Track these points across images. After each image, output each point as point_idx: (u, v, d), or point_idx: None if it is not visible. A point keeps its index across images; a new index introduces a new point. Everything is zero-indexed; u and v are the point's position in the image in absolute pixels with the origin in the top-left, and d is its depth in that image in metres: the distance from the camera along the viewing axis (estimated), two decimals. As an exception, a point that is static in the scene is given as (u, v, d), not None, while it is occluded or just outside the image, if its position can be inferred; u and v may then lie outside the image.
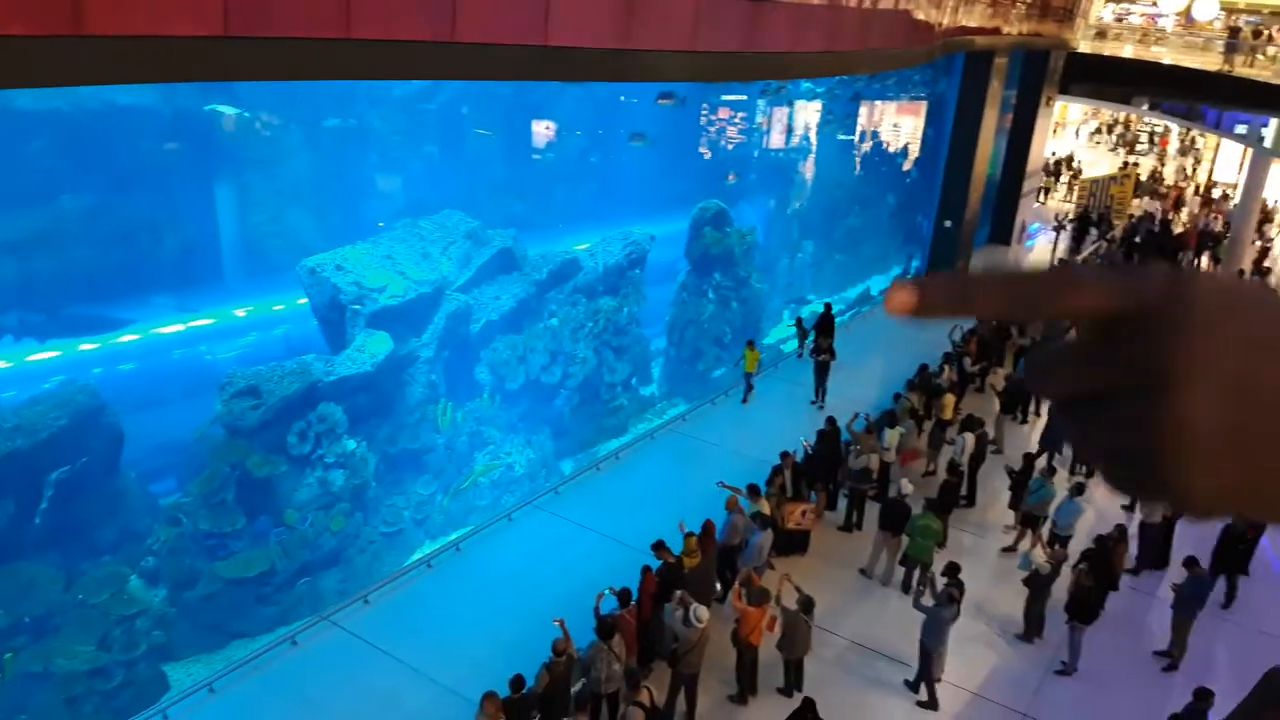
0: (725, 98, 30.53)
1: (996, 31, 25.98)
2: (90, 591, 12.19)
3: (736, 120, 31.42)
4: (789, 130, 31.61)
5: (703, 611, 10.50)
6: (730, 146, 31.45)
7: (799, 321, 21.45)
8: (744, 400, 19.21)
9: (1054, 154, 42.67)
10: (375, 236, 18.05)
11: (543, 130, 26.60)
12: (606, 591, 10.78)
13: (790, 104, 30.75)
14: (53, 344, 17.01)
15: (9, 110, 16.56)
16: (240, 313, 19.09)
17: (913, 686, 11.22)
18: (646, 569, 11.38)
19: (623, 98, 26.07)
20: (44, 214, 17.31)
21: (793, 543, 13.38)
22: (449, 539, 14.81)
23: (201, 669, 12.12)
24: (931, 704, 11.06)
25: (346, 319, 16.04)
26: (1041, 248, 33.20)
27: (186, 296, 18.43)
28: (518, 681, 9.33)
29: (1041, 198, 38.91)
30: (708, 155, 30.86)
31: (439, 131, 23.41)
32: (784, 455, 14.26)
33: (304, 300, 17.28)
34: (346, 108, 21.65)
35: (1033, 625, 12.27)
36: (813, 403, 18.72)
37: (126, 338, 17.37)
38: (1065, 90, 33.06)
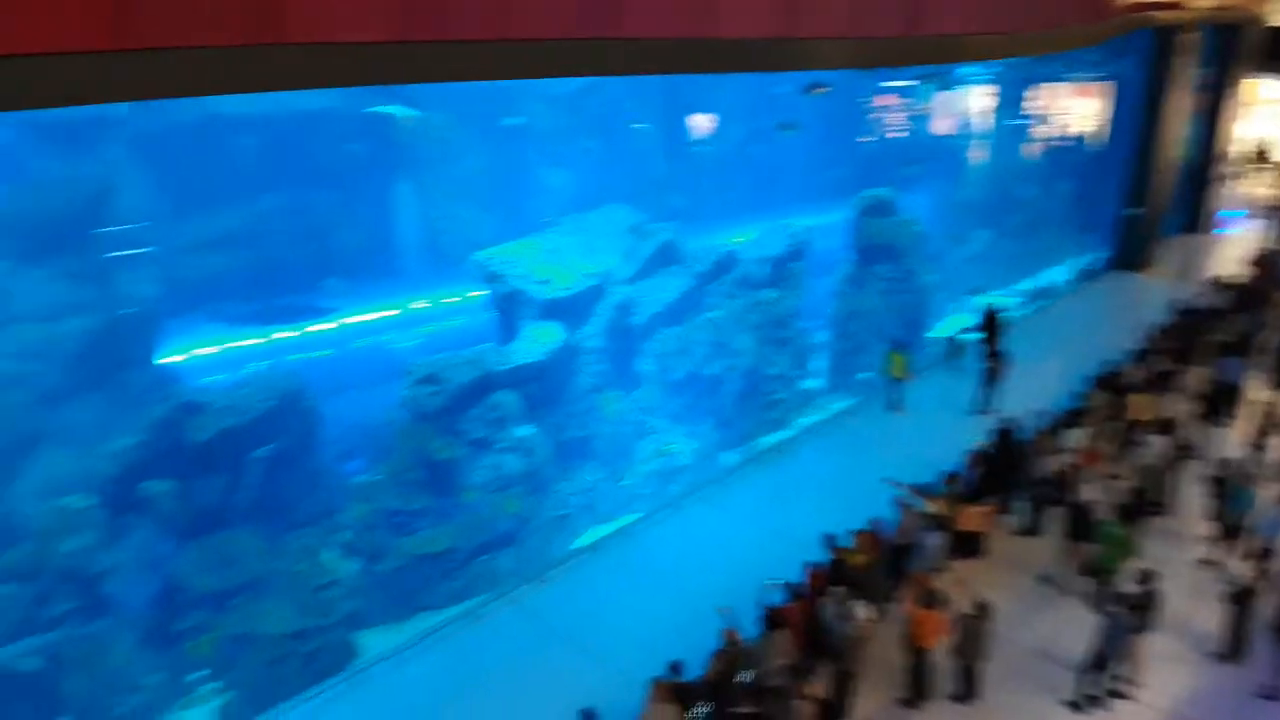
0: (888, 84, 29.74)
1: (1177, 6, 24.14)
2: (290, 561, 13.20)
3: (900, 107, 30.58)
4: (956, 116, 30.48)
5: (862, 610, 10.33)
6: (894, 134, 30.62)
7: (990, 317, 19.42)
8: (892, 408, 18.05)
9: (1261, 138, 39.24)
10: (543, 231, 18.61)
11: (701, 123, 26.69)
12: (774, 583, 10.77)
13: (957, 88, 29.64)
14: (255, 331, 18.47)
15: (217, 115, 18.02)
16: (420, 304, 20.17)
17: (1085, 701, 10.68)
18: (812, 564, 11.30)
19: (779, 88, 25.85)
20: (247, 211, 18.80)
21: (967, 545, 12.96)
22: (615, 525, 15.18)
23: (390, 638, 12.92)
24: (1083, 705, 10.55)
25: (517, 311, 16.65)
26: (1242, 236, 30.65)
27: (372, 289, 19.62)
28: (676, 666, 9.45)
29: (1243, 182, 35.93)
30: (870, 143, 30.17)
31: (601, 128, 23.89)
32: (972, 454, 13.84)
33: (478, 293, 18.04)
34: (514, 107, 22.42)
35: (1234, 644, 11.43)
36: (980, 412, 17.42)
37: (320, 327, 18.67)
38: (1265, 68, 30.39)
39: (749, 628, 10.34)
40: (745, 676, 10.27)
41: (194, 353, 17.11)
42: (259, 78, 7.75)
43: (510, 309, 16.86)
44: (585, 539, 15.11)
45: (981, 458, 13.97)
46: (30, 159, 15.59)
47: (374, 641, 13.04)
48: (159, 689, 11.99)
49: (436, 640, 11.69)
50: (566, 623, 12.00)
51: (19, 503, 12.90)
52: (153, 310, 15.52)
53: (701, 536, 14.18)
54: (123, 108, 16.45)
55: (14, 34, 6.06)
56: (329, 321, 18.92)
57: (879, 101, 29.82)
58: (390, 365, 16.75)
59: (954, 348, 19.91)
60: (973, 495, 13.35)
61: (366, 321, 19.57)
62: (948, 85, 28.47)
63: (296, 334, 18.78)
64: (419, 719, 10.23)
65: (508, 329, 16.81)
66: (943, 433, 16.41)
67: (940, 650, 10.65)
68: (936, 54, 16.63)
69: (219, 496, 13.57)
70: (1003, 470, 14.08)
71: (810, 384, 20.42)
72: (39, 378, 13.76)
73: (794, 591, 10.86)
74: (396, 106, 20.63)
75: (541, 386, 15.69)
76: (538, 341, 15.83)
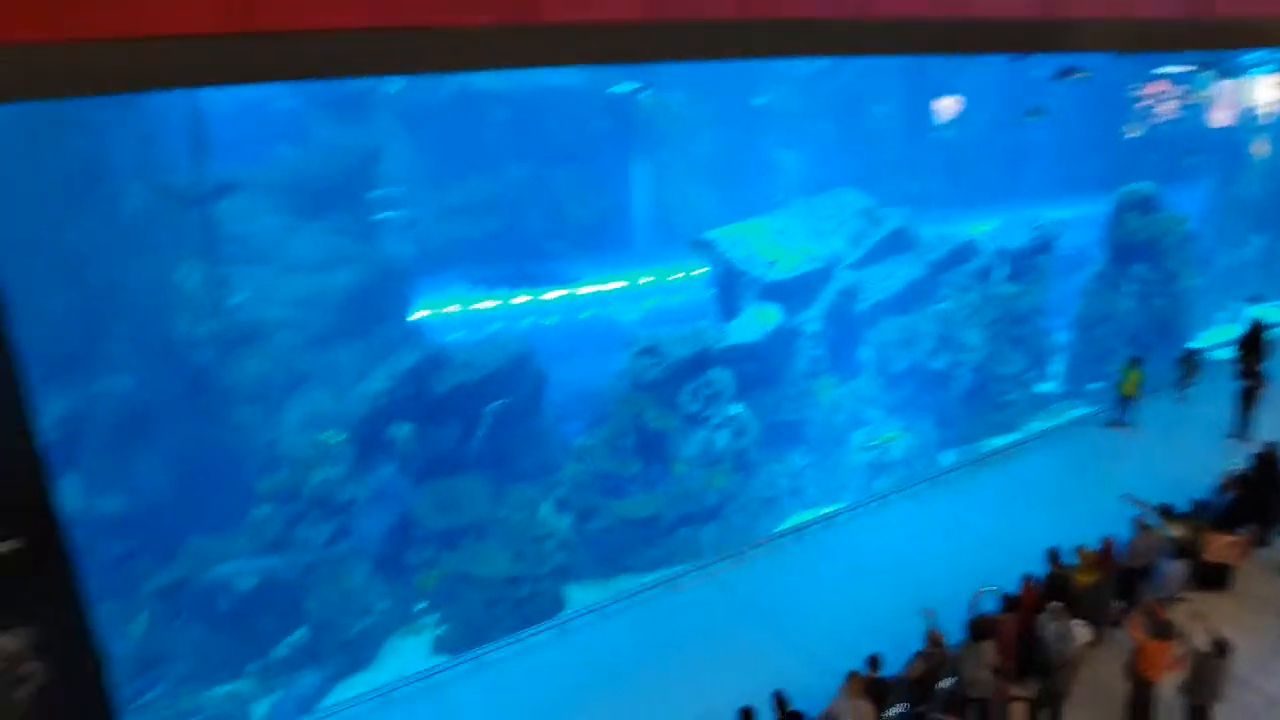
0: (1158, 70, 27.10)
1: None
2: (510, 511, 14.05)
3: (1170, 95, 27.80)
4: (1236, 106, 27.29)
5: (1081, 631, 9.63)
6: (1162, 124, 27.90)
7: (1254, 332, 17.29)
8: (1114, 425, 16.14)
9: None
10: (772, 212, 18.54)
11: (943, 107, 25.51)
12: (986, 591, 10.28)
13: (1240, 76, 26.50)
14: (495, 294, 19.67)
15: (473, 91, 19.22)
16: (645, 279, 20.72)
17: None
18: (1028, 577, 10.67)
19: (1032, 71, 24.18)
20: (495, 181, 20.02)
21: (1211, 577, 11.78)
22: (821, 512, 14.99)
23: (593, 593, 13.49)
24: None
25: (739, 290, 16.73)
26: None
27: (602, 261, 20.37)
28: (875, 661, 9.24)
29: None
30: (1133, 134, 27.66)
31: (838, 109, 23.39)
32: (1226, 479, 12.55)
33: (701, 270, 18.31)
34: (754, 87, 22.39)
35: None
36: (1233, 436, 15.48)
37: (552, 294, 19.62)
38: None
39: (954, 633, 9.94)
40: (947, 682, 9.91)
41: (441, 310, 18.51)
42: (519, 55, 8.19)
43: (732, 288, 16.98)
44: (789, 522, 15.03)
45: (1237, 484, 12.61)
46: (314, 126, 17.35)
47: (578, 596, 13.65)
48: (387, 614, 13.15)
49: (636, 603, 12.04)
50: (763, 603, 12.00)
51: (282, 433, 14.50)
52: (408, 269, 16.96)
53: (909, 534, 13.72)
54: (395, 83, 17.95)
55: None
56: (561, 290, 19.86)
57: (1146, 89, 27.26)
58: (614, 335, 17.38)
59: (1191, 364, 17.85)
60: (1224, 523, 12.10)
61: (595, 293, 20.38)
62: (1229, 73, 25.52)
63: (531, 300, 19.83)
64: (615, 674, 10.63)
65: (728, 308, 16.95)
66: (1186, 453, 14.92)
67: (1167, 685, 9.79)
68: (1223, 39, 14.94)
69: (453, 444, 14.67)
70: (1261, 500, 12.66)
71: (1045, 388, 19.18)
72: (308, 324, 15.40)
73: (1009, 602, 10.32)
74: (633, 84, 21.11)
75: (757, 366, 15.73)
76: (757, 322, 15.86)
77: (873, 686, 9.10)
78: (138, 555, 12.92)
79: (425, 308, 17.74)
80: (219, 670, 12.29)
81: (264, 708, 11.91)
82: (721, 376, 15.13)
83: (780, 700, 9.06)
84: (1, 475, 6.18)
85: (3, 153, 12.34)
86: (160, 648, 12.09)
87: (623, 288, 20.64)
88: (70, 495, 10.60)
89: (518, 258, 19.98)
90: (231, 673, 12.35)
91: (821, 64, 22.10)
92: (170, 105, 14.32)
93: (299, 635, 12.77)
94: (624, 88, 20.75)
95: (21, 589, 6.54)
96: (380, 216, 17.17)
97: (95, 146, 13.47)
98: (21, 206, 12.79)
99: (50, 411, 12.51)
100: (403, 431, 14.26)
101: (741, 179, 22.35)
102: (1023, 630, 10.19)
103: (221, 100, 15.69)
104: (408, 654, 12.91)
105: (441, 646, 12.93)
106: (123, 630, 12.00)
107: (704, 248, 17.40)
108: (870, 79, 23.84)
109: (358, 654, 12.59)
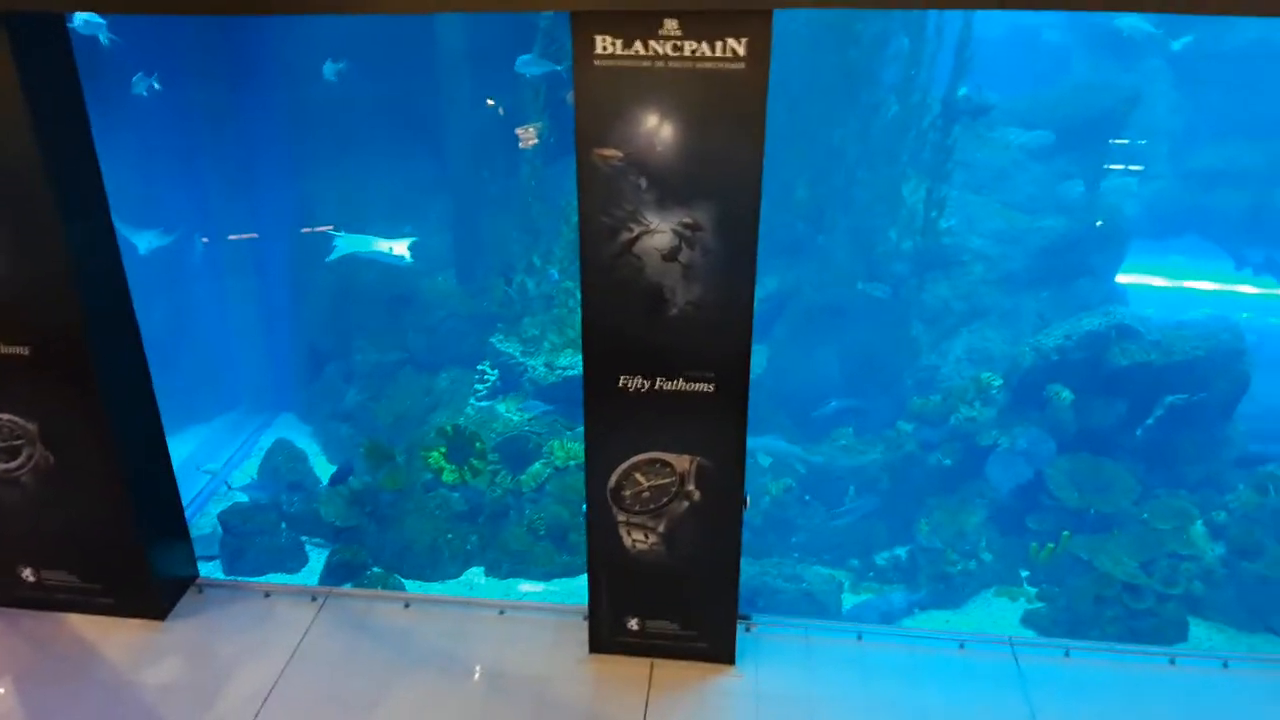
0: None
1: None
2: (1156, 516, 12.69)
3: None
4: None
5: None
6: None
7: None
8: None
9: None
10: None
11: None
12: None
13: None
14: (1210, 275, 17.29)
15: (1266, 45, 16.56)
16: None
17: None
18: None
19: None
20: (1255, 152, 17.15)
21: None
22: None
23: (1224, 641, 11.70)
24: None
25: None
26: None
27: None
28: None
29: None
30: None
31: None
32: None
33: None
34: None
35: None
36: None
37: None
38: None
39: None
40: None
41: (1147, 280, 16.90)
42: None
43: None
44: None
45: None
46: (1077, 66, 16.76)
47: (1202, 635, 11.94)
48: (989, 567, 13.04)
49: (1267, 668, 10.08)
50: None
51: (946, 361, 14.89)
52: (1128, 228, 15.74)
53: None
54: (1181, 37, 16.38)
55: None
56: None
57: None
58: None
59: None
60: None
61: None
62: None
63: (1257, 291, 16.98)
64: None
65: None
66: None
67: None
68: None
69: (1113, 424, 13.59)
70: None
71: None
72: (1005, 262, 15.34)
73: None
74: None
75: None
76: None
77: None
78: (783, 425, 14.65)
79: (1131, 272, 16.30)
80: (827, 553, 13.57)
81: (851, 601, 12.89)
82: None
83: None
84: (725, 326, 7.50)
85: (789, 56, 14.29)
86: (787, 515, 13.74)
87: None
88: (756, 359, 12.36)
89: (1261, 241, 17.12)
90: (835, 560, 13.54)
91: None
92: (943, 24, 14.98)
93: (902, 553, 13.42)
94: None
95: (709, 420, 7.92)
96: (1115, 167, 16.06)
97: (866, 59, 14.85)
98: (793, 107, 14.80)
99: (764, 285, 14.63)
100: (1063, 394, 13.59)
101: None
102: None
103: (993, 25, 15.90)
104: (996, 613, 12.73)
105: (1031, 621, 12.48)
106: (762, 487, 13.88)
107: None
108: None
109: (950, 592, 12.80)
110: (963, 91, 15.03)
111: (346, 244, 14.55)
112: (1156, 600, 12.02)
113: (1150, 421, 13.39)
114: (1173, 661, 9.54)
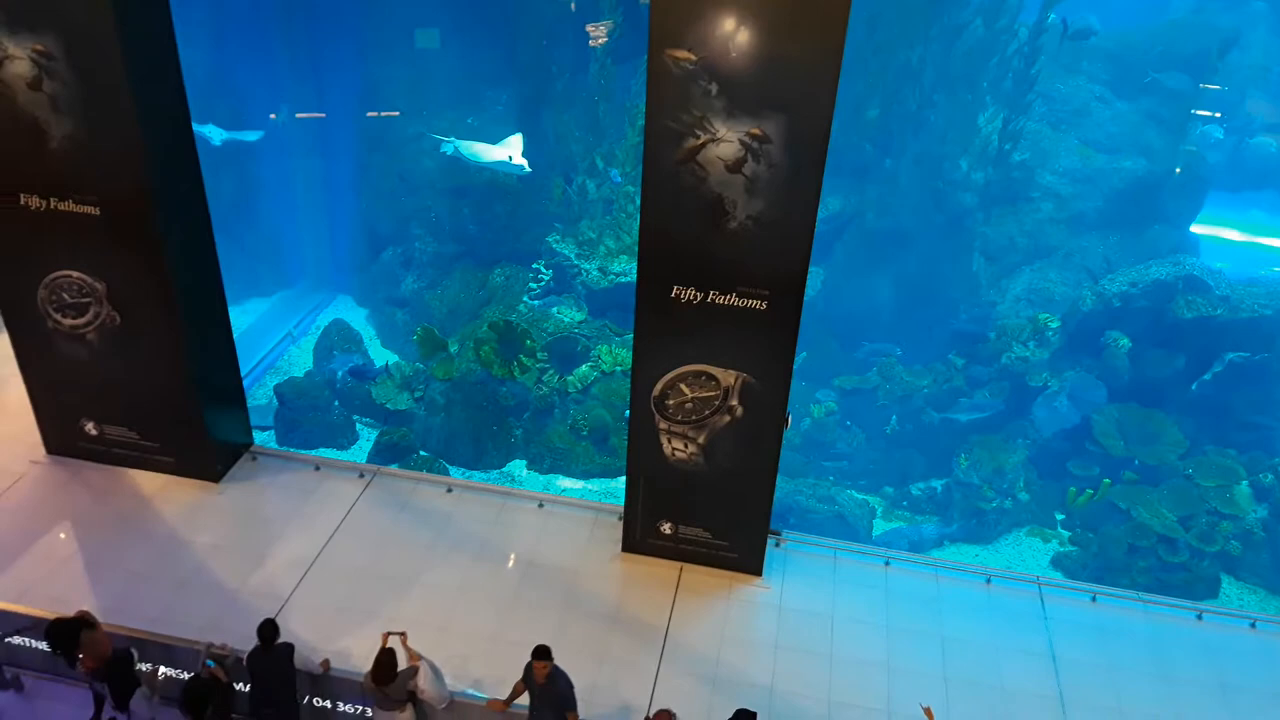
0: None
1: None
2: (1201, 472, 12.51)
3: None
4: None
5: None
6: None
7: None
8: None
9: None
10: None
11: None
12: None
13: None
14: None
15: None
16: None
17: None
18: None
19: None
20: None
21: None
22: None
23: (1255, 602, 11.66)
24: None
25: None
26: None
27: None
28: None
29: None
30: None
31: None
32: None
33: None
34: None
35: None
36: None
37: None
38: None
39: None
40: None
41: (1220, 232, 16.25)
42: None
43: None
44: None
45: None
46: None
47: (1234, 594, 11.91)
48: (1024, 507, 13.01)
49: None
50: None
51: (1004, 298, 14.59)
52: (1208, 177, 15.11)
53: None
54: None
55: None
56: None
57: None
58: None
59: None
60: None
61: None
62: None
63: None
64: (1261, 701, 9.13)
65: None
66: None
67: None
68: None
69: (1169, 376, 13.31)
70: None
71: None
72: (1076, 201, 14.83)
73: None
74: None
75: None
76: None
77: None
78: (832, 350, 14.54)
79: (1206, 223, 15.70)
80: (861, 478, 13.62)
81: (882, 527, 13.00)
82: None
83: None
84: (784, 244, 7.43)
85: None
86: (825, 437, 13.76)
87: None
88: (812, 280, 12.21)
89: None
90: (870, 485, 13.60)
91: None
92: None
93: (938, 485, 13.42)
94: None
95: (759, 337, 7.92)
96: (1201, 112, 15.31)
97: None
98: (872, 22, 14.26)
99: (826, 206, 14.34)
100: (1121, 342, 13.31)
101: None
102: None
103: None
104: (1028, 553, 12.77)
105: (1062, 563, 12.51)
106: (803, 409, 13.89)
107: None
108: None
109: (982, 528, 12.83)
110: (1057, 16, 14.34)
111: (455, 149, 14.13)
112: (1191, 555, 11.95)
113: (1207, 377, 13.09)
114: (1200, 617, 9.55)
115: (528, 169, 13.82)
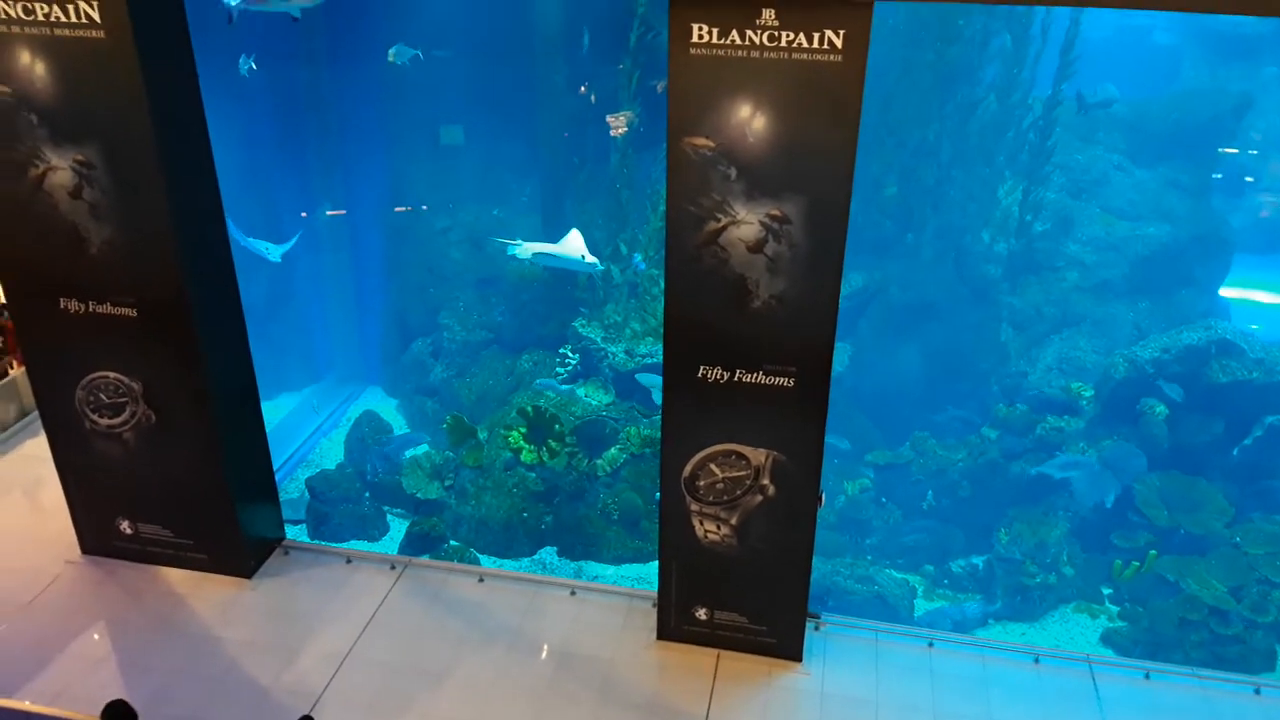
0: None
1: None
2: (1249, 540, 12.16)
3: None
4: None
5: None
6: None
7: None
8: None
9: None
10: None
11: None
12: None
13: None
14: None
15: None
16: None
17: None
18: None
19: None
20: None
21: None
22: None
23: (1321, 676, 11.18)
24: None
25: None
26: None
27: None
28: None
29: None
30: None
31: None
32: None
33: None
34: None
35: None
36: None
37: None
38: None
39: None
40: None
41: (1251, 295, 16.14)
42: None
43: None
44: None
45: None
46: (1187, 67, 16.08)
47: (1293, 668, 11.45)
48: (1069, 582, 12.65)
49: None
50: None
51: (1034, 369, 14.47)
52: (1233, 240, 15.08)
53: None
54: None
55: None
56: None
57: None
58: None
59: None
60: None
61: None
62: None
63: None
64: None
65: None
66: None
67: None
68: None
69: (1208, 442, 13.05)
70: None
71: None
72: (1102, 269, 14.82)
73: None
74: None
75: None
76: None
77: None
78: (864, 426, 14.43)
79: (1235, 286, 15.60)
80: (901, 557, 13.34)
81: (924, 608, 12.67)
82: None
83: None
84: (808, 321, 7.45)
85: (885, 50, 14.02)
86: (860, 514, 13.55)
87: None
88: (839, 357, 12.19)
89: None
90: (910, 564, 13.31)
91: None
92: (1049, 23, 14.54)
93: (979, 562, 13.12)
94: None
95: (788, 415, 7.88)
96: (1222, 176, 15.36)
97: (965, 57, 14.50)
98: (886, 102, 14.55)
99: (850, 282, 14.42)
100: (1158, 409, 13.11)
101: None
102: None
103: (1099, 25, 15.34)
104: (1075, 630, 12.37)
105: (1111, 640, 12.09)
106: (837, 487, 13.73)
107: None
108: None
109: (1027, 605, 12.47)
110: (1070, 90, 14.55)
111: (522, 251, 14.13)
112: (1244, 627, 11.53)
113: (1248, 441, 12.83)
114: (1258, 691, 9.18)
115: (601, 266, 13.86)
